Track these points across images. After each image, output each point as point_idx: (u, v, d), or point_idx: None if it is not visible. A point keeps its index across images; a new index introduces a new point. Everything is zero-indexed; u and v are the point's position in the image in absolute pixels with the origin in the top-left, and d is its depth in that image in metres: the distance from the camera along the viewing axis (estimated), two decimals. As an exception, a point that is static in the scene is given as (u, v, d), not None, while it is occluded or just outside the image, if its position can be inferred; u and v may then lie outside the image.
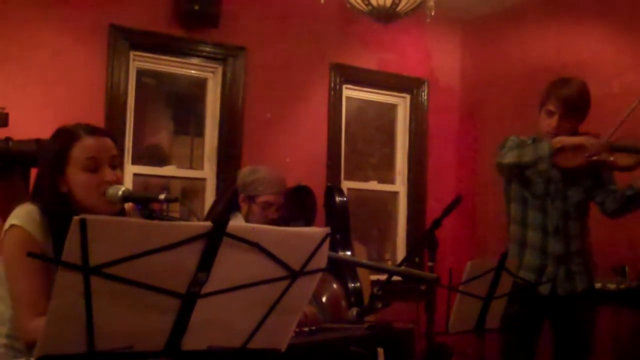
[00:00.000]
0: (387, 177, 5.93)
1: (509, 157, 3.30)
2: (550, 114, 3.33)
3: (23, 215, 2.01)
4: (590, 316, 3.45)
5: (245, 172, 3.37)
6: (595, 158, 3.22)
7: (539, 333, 3.41)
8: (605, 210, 3.47)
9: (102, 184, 2.06)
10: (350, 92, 5.64)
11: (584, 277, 3.39)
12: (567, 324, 3.38)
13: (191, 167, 5.22)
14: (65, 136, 2.12)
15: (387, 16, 4.34)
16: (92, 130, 2.15)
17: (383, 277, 3.37)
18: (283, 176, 3.44)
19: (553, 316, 3.39)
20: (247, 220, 3.27)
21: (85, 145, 2.09)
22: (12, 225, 2.00)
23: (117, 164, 2.14)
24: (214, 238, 1.36)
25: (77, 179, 2.07)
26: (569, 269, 3.35)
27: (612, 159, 3.27)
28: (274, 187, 3.33)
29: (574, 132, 3.38)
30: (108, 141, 2.15)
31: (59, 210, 2.03)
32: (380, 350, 2.16)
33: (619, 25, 5.04)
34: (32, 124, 3.92)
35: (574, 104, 3.31)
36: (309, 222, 4.75)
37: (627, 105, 3.30)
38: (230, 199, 3.37)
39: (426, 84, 5.90)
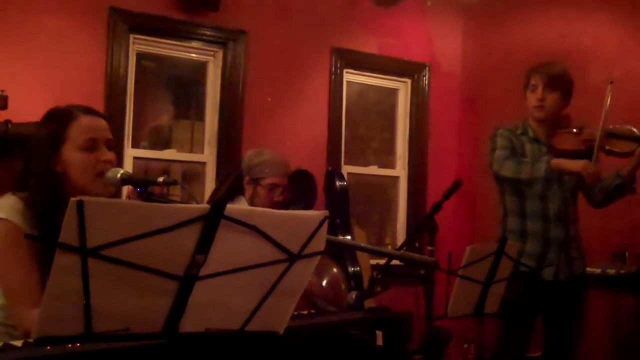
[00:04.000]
0: (388, 161, 5.92)
1: (507, 171, 3.35)
2: (534, 87, 3.41)
3: (6, 207, 1.98)
4: (584, 301, 3.54)
5: (249, 155, 3.36)
6: (593, 174, 3.21)
7: (535, 319, 3.45)
8: (592, 201, 3.54)
9: (99, 164, 2.07)
10: (351, 77, 5.62)
11: (580, 262, 3.48)
12: (562, 309, 3.42)
13: (191, 151, 5.21)
14: (61, 116, 2.12)
15: (388, 0, 4.33)
16: (88, 110, 2.15)
17: (383, 261, 3.38)
18: (287, 159, 3.44)
19: (548, 302, 3.42)
20: (252, 204, 3.27)
21: (82, 125, 2.09)
22: None
23: (112, 146, 2.15)
24: (212, 220, 1.36)
25: (73, 158, 2.07)
26: (568, 254, 3.40)
27: (607, 147, 3.31)
28: (280, 168, 3.33)
29: (559, 119, 3.42)
30: (103, 122, 2.16)
31: (50, 192, 2.02)
32: (379, 334, 2.16)
33: (621, 11, 5.01)
34: (31, 107, 3.90)
35: (555, 76, 3.41)
36: (309, 206, 4.75)
37: (606, 92, 3.33)
38: (233, 182, 3.37)
39: (427, 68, 5.88)
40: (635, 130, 3.36)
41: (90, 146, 2.08)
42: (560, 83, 3.42)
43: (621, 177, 3.37)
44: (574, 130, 3.38)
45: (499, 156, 3.39)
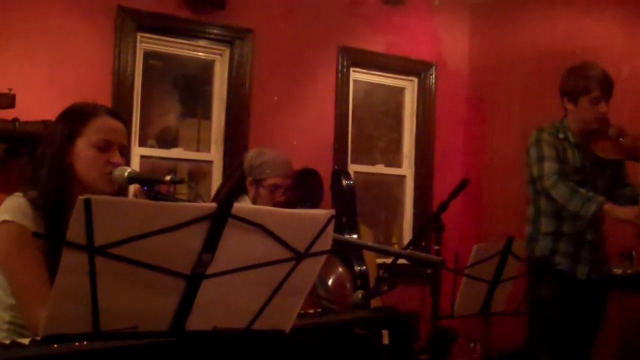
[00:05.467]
0: (394, 160, 5.92)
1: (557, 195, 3.27)
2: (596, 100, 3.30)
3: (13, 208, 1.99)
4: (607, 302, 3.56)
5: (251, 155, 3.35)
6: None
7: (568, 318, 3.43)
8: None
9: (108, 165, 2.08)
10: (357, 75, 5.62)
11: (606, 263, 3.51)
12: (588, 307, 3.42)
13: (198, 150, 5.22)
14: (84, 110, 2.15)
15: (395, -2, 4.32)
16: (111, 112, 2.19)
17: (389, 260, 3.37)
18: (290, 158, 3.43)
19: (579, 301, 3.41)
20: (254, 204, 3.26)
21: (101, 123, 2.12)
22: (3, 221, 1.97)
23: (124, 152, 2.17)
24: (219, 219, 1.36)
25: (85, 153, 2.09)
26: (598, 255, 3.41)
27: None
28: (282, 169, 3.32)
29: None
30: (123, 127, 2.19)
31: (59, 183, 2.03)
32: (385, 333, 2.16)
33: (628, 10, 4.99)
34: (38, 106, 3.94)
35: (612, 85, 3.32)
36: (315, 205, 4.76)
37: None
38: (237, 182, 3.37)
39: (434, 67, 5.87)
40: None
41: (104, 146, 2.09)
42: (613, 90, 3.35)
43: None
44: (613, 136, 3.31)
45: (551, 172, 3.29)
